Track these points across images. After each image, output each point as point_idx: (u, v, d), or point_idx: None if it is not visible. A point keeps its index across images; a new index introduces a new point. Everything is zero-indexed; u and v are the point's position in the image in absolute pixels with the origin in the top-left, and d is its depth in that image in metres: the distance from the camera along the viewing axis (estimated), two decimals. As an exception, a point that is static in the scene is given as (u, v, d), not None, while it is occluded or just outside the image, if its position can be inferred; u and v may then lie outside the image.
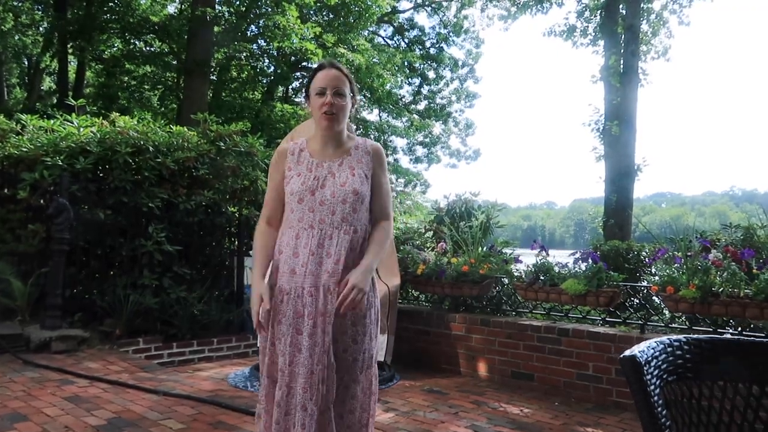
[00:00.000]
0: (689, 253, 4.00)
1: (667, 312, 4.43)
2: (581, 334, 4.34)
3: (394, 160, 19.47)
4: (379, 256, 2.07)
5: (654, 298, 5.12)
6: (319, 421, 1.99)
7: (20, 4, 16.73)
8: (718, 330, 4.11)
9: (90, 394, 3.90)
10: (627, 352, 1.07)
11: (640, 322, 4.35)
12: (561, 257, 4.80)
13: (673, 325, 4.34)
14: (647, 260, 6.58)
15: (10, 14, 16.63)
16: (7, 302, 5.42)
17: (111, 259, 5.87)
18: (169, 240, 5.84)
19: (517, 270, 4.91)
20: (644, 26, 12.76)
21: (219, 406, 3.76)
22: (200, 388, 4.26)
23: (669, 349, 1.18)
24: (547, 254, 4.66)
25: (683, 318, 4.36)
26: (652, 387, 1.05)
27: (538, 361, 4.54)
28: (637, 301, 5.01)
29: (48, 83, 22.57)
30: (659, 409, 1.04)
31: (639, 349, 1.09)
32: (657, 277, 4.14)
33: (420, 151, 20.65)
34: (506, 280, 5.06)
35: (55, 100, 19.52)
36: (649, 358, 1.09)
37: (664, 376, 1.12)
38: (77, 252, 5.66)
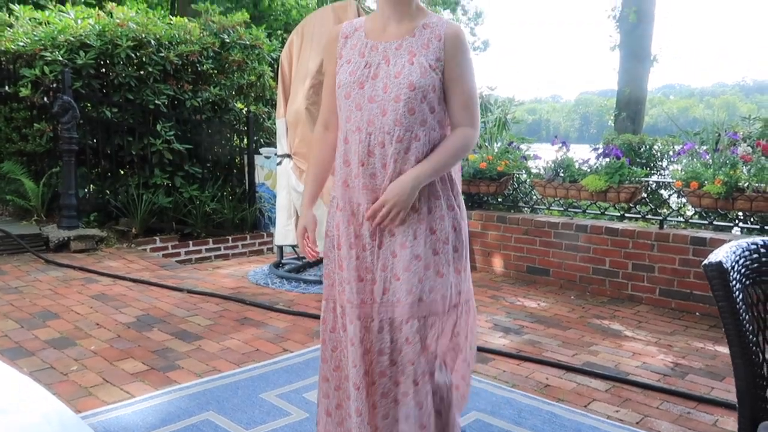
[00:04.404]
0: (718, 148, 3.90)
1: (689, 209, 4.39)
2: (599, 230, 4.34)
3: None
4: (440, 164, 1.60)
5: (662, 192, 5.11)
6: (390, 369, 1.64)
7: None
8: (739, 225, 4.10)
9: (115, 292, 3.97)
10: (712, 258, 1.01)
11: (659, 218, 4.33)
12: (573, 151, 4.71)
13: (693, 221, 4.32)
14: (658, 154, 6.48)
15: None
16: (21, 203, 5.41)
17: (121, 159, 5.80)
18: (177, 138, 5.74)
19: (535, 167, 4.83)
20: None
21: (243, 303, 3.83)
22: (222, 285, 4.33)
23: (746, 253, 1.13)
24: (568, 150, 4.56)
25: (703, 213, 4.33)
26: (736, 293, 1.01)
27: (554, 256, 4.57)
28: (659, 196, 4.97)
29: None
30: (743, 315, 1.00)
31: (723, 255, 1.04)
32: (680, 172, 4.07)
33: (426, 42, 19.86)
34: (524, 177, 4.99)
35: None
36: (733, 263, 1.04)
37: (743, 281, 1.08)
38: (87, 152, 5.57)
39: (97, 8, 6.45)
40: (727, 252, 1.07)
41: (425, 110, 1.61)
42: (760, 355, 1.06)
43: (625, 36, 11.09)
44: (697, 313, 3.85)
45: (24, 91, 5.29)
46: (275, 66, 6.50)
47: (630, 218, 4.51)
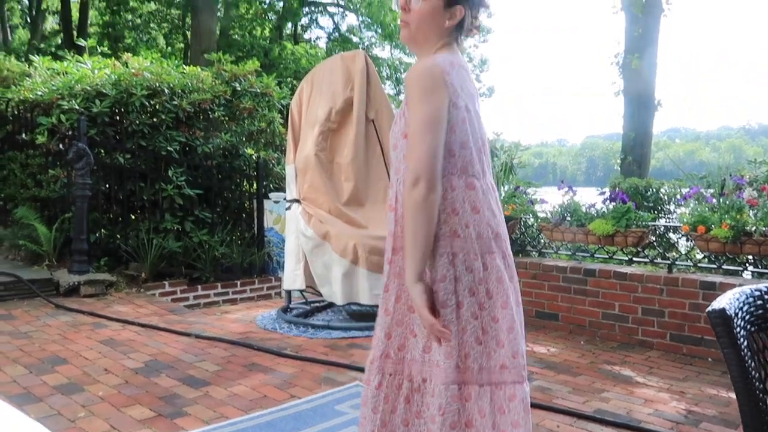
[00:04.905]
0: (723, 192, 3.93)
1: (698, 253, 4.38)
2: (608, 274, 4.33)
3: (407, 98, 19.10)
4: (409, 245, 1.52)
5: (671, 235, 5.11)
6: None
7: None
8: (749, 269, 4.09)
9: (124, 337, 3.97)
10: (715, 305, 1.03)
11: (667, 262, 4.32)
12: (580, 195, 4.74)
13: (702, 265, 4.31)
14: (666, 197, 6.50)
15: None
16: (33, 248, 5.47)
17: (133, 204, 5.88)
18: (188, 184, 5.83)
19: (542, 210, 4.86)
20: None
21: (251, 348, 3.82)
22: (230, 330, 4.33)
23: (750, 299, 1.14)
24: (575, 194, 4.59)
25: (712, 257, 4.32)
26: (741, 340, 1.02)
27: (563, 301, 4.55)
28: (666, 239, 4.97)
29: (50, 23, 22.13)
30: (749, 362, 1.01)
31: (727, 301, 1.05)
32: (687, 216, 4.08)
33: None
34: (531, 221, 5.02)
35: (59, 41, 19.20)
36: (737, 310, 1.05)
37: (748, 327, 1.09)
38: (99, 197, 5.66)
39: (113, 58, 6.66)
40: (730, 298, 1.08)
41: (399, 158, 1.63)
42: (769, 402, 1.06)
43: (628, 82, 11.26)
44: (710, 359, 3.80)
45: (40, 139, 5.42)
46: (285, 113, 6.64)
47: (638, 262, 4.50)
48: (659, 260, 4.43)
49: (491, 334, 1.56)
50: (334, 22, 19.77)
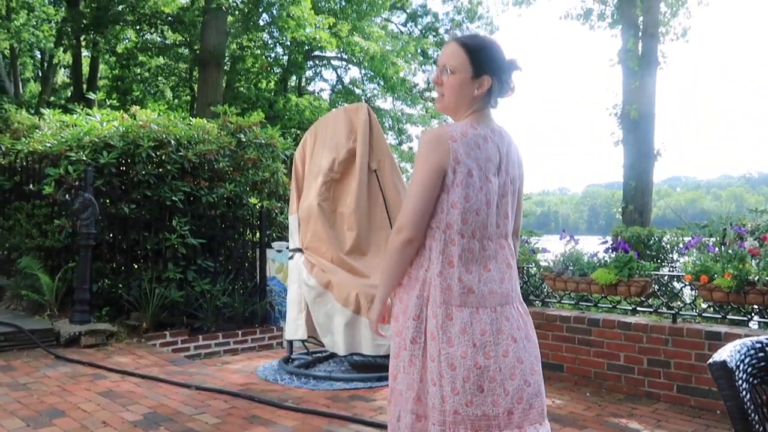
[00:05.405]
0: (725, 241, 3.94)
1: (703, 303, 4.36)
2: (612, 324, 4.29)
3: (409, 148, 19.39)
4: (381, 279, 1.82)
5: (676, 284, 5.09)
6: None
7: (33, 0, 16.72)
8: (755, 319, 4.05)
9: (123, 388, 3.93)
10: (716, 358, 1.03)
11: (671, 311, 4.29)
12: (582, 244, 4.75)
13: (707, 315, 4.28)
14: (668, 246, 6.51)
15: (24, 10, 16.63)
16: (36, 297, 5.47)
17: (136, 253, 5.90)
18: (192, 233, 5.85)
19: (544, 260, 4.86)
20: (663, 7, 12.50)
21: (252, 400, 3.77)
22: (231, 381, 4.28)
23: (752, 352, 1.14)
24: (576, 243, 4.60)
25: (717, 306, 4.29)
26: (743, 393, 1.02)
27: (567, 351, 4.50)
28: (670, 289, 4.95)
29: (61, 77, 22.67)
30: (753, 415, 1.00)
31: (727, 354, 1.05)
32: (690, 265, 4.08)
33: (434, 139, 20.48)
34: (534, 270, 5.01)
35: (69, 94, 19.63)
36: (738, 362, 1.06)
37: (750, 380, 1.09)
38: (103, 246, 5.68)
39: (121, 111, 6.81)
40: (731, 351, 1.08)
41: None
42: (775, 456, 1.05)
43: (627, 132, 11.43)
44: (718, 412, 3.73)
45: (47, 189, 5.48)
46: (288, 163, 6.74)
47: (642, 312, 4.47)
48: (664, 310, 4.40)
49: (447, 378, 1.69)
50: (337, 74, 20.28)
